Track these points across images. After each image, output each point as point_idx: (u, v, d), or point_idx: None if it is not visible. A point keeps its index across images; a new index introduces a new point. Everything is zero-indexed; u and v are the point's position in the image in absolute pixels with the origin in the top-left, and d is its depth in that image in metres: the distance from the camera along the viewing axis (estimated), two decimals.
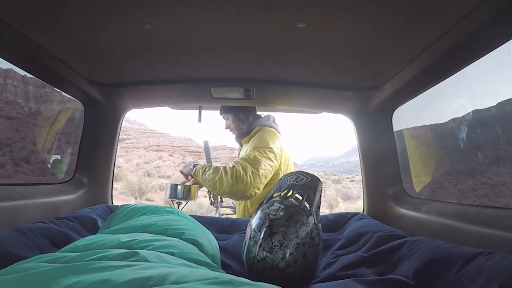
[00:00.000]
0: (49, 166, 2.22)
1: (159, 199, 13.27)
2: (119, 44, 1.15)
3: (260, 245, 0.99)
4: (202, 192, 4.78)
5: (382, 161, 1.63)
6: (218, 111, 2.07)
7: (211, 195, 4.04)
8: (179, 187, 2.84)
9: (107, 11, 0.94)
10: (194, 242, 0.93)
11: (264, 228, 1.01)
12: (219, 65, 1.33)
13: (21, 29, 0.99)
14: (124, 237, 0.76)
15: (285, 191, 1.13)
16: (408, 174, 1.66)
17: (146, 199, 13.87)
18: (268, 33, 1.07)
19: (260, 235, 1.01)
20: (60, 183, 1.57)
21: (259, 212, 1.10)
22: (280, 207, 1.05)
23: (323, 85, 1.49)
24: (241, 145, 2.18)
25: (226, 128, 2.12)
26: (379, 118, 1.57)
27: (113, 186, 1.86)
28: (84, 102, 1.64)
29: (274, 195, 1.16)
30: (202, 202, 8.66)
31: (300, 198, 1.09)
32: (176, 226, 0.99)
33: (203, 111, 1.96)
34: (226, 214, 4.76)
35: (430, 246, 0.94)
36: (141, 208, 1.15)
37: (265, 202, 1.14)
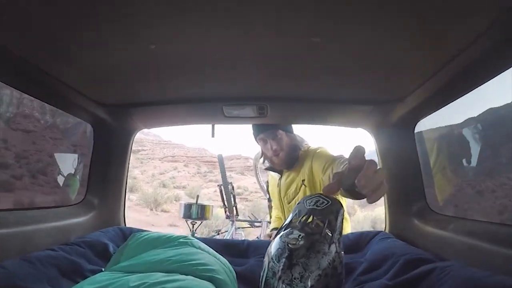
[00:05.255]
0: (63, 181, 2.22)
1: (175, 210, 13.28)
2: (125, 66, 1.13)
3: (280, 278, 0.93)
4: (217, 202, 4.75)
5: (404, 176, 1.55)
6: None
7: (227, 209, 4.02)
8: (193, 206, 2.83)
9: (111, 34, 0.91)
10: (211, 279, 0.88)
11: (283, 259, 0.95)
12: (230, 83, 1.28)
13: (25, 55, 0.98)
14: (134, 280, 0.72)
15: (305, 217, 1.07)
16: (432, 190, 1.58)
17: (162, 210, 13.93)
18: (281, 49, 1.01)
19: (279, 267, 0.95)
20: (71, 205, 1.55)
21: (277, 239, 1.04)
22: (300, 235, 0.99)
23: (341, 100, 1.42)
24: (280, 174, 1.82)
25: (272, 152, 1.69)
26: (401, 132, 1.49)
27: (125, 204, 1.83)
28: (93, 124, 1.62)
29: (293, 221, 1.10)
30: (217, 214, 8.62)
31: (321, 224, 1.03)
32: (191, 262, 0.93)
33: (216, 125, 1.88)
34: (242, 228, 4.73)
35: (462, 275, 0.87)
36: (153, 239, 1.09)
37: (283, 228, 1.08)
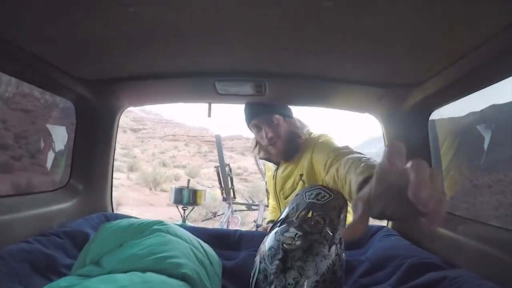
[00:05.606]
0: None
1: None
2: (99, 34, 0.96)
3: (271, 283, 0.81)
4: (217, 183, 4.67)
5: None
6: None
7: (224, 191, 3.93)
8: (184, 191, 2.71)
9: None
10: (185, 277, 0.77)
11: (277, 261, 0.83)
12: (224, 55, 1.10)
13: None
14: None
15: (304, 212, 0.94)
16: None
17: (161, 190, 13.92)
18: (284, 15, 0.82)
19: (271, 269, 0.83)
20: (53, 190, 1.43)
21: (271, 236, 0.92)
22: (297, 234, 0.87)
23: (350, 80, 1.25)
24: (276, 164, 1.55)
25: (267, 140, 1.40)
26: (414, 120, 1.34)
27: (113, 191, 1.72)
28: (75, 102, 1.47)
29: (290, 215, 0.97)
30: (216, 195, 8.56)
31: (322, 221, 0.91)
32: (162, 254, 0.82)
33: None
34: (240, 210, 4.66)
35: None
36: (124, 229, 0.97)
37: (279, 224, 0.96)
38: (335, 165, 1.03)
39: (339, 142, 1.28)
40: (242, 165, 25.00)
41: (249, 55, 1.08)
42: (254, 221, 3.66)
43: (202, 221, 4.91)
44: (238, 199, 5.24)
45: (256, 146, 1.52)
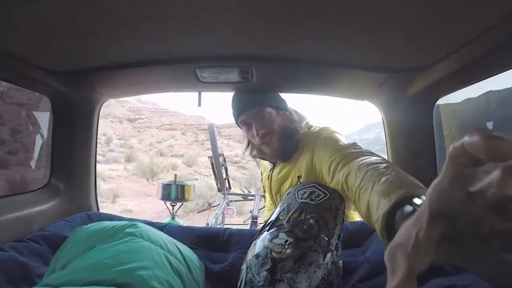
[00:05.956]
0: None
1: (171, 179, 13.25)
2: (65, 22, 0.82)
3: None
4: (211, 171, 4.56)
5: (415, 161, 1.31)
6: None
7: (218, 181, 3.83)
8: (172, 187, 2.59)
9: None
10: None
11: (265, 272, 0.73)
12: (205, 38, 0.96)
13: None
14: None
15: (295, 214, 0.84)
16: None
17: (158, 180, 13.83)
18: None
19: (259, 281, 0.73)
20: (33, 191, 1.34)
21: (259, 243, 0.82)
22: (287, 240, 0.76)
23: (348, 65, 1.11)
24: (272, 163, 1.36)
25: (259, 139, 1.20)
26: (418, 108, 1.23)
27: (97, 190, 1.61)
28: (50, 96, 1.36)
29: (281, 217, 0.87)
30: (213, 185, 8.46)
31: (316, 226, 0.80)
32: (131, 265, 0.73)
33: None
34: (235, 201, 4.57)
35: None
36: (95, 233, 0.90)
37: (268, 227, 0.85)
38: (342, 170, 0.84)
39: (344, 138, 1.10)
40: (239, 153, 24.88)
41: (233, 37, 0.94)
42: (251, 211, 3.58)
43: (198, 212, 4.84)
44: (235, 188, 5.15)
45: (248, 146, 1.34)
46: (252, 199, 3.94)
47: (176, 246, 0.95)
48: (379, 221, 0.55)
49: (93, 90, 1.38)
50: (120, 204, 9.38)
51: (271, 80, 1.25)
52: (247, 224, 3.66)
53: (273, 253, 0.75)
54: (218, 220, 3.30)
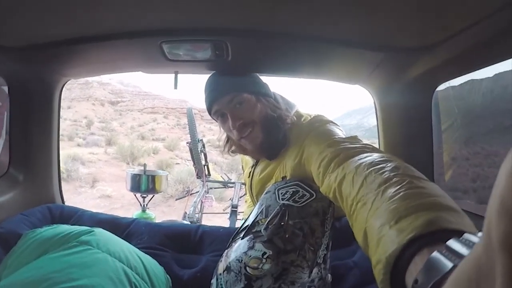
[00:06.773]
0: None
1: (152, 163, 12.87)
2: None
3: None
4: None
5: (410, 151, 1.20)
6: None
7: (197, 168, 3.67)
8: (142, 177, 2.41)
9: None
10: None
11: None
12: (172, 8, 0.79)
13: None
14: None
15: (275, 219, 0.69)
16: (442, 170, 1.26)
17: (139, 164, 13.48)
18: None
19: None
20: None
21: (232, 254, 0.68)
22: (265, 253, 0.62)
23: (338, 41, 0.93)
24: (256, 159, 1.18)
25: (237, 133, 1.00)
26: (416, 94, 1.10)
27: (60, 180, 1.46)
28: (5, 77, 1.20)
29: (259, 222, 0.72)
30: (192, 170, 8.25)
31: (300, 234, 0.66)
32: (79, 283, 0.62)
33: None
34: (215, 188, 4.43)
35: None
36: (45, 240, 0.78)
37: (242, 234, 0.71)
38: (334, 171, 0.63)
39: (342, 130, 0.91)
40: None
41: (203, 7, 0.77)
42: (230, 199, 3.45)
43: (176, 199, 4.67)
44: (216, 173, 4.96)
45: (227, 142, 1.14)
46: (232, 187, 3.81)
47: (139, 257, 0.83)
48: (380, 267, 0.36)
49: (50, 69, 1.23)
50: (99, 189, 9.11)
51: (250, 59, 1.08)
52: (227, 212, 3.54)
53: (247, 268, 0.61)
54: (197, 209, 3.16)
